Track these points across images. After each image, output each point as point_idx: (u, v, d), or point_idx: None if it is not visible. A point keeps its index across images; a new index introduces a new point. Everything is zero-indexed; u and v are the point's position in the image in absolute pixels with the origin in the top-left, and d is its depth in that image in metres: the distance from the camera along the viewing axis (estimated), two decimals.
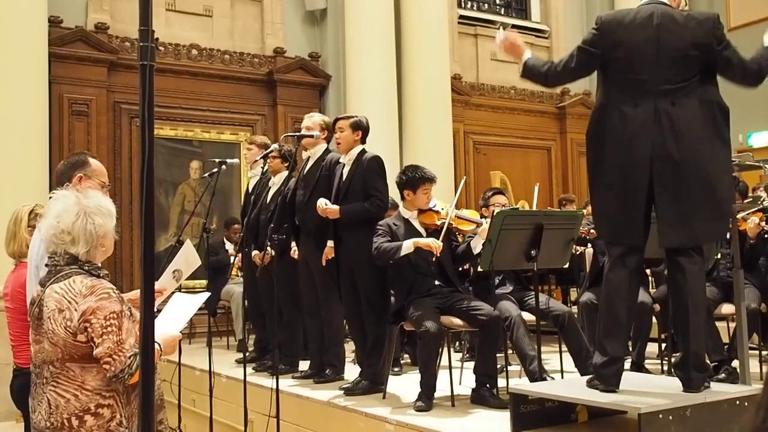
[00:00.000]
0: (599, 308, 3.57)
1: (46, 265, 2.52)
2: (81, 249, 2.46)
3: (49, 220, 2.48)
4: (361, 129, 4.92)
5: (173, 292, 3.16)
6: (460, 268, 5.05)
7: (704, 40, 3.29)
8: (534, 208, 4.93)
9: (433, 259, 4.41)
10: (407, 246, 4.35)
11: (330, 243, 4.88)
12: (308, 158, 5.29)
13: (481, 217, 4.89)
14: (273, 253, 5.22)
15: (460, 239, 4.81)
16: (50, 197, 2.59)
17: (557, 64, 3.53)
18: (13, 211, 3.69)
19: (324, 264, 4.93)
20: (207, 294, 3.13)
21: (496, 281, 4.91)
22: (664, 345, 5.37)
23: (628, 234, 3.35)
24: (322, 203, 4.78)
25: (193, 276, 3.58)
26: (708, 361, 3.68)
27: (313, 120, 5.28)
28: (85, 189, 2.73)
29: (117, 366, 2.33)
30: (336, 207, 4.77)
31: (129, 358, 2.35)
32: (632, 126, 3.29)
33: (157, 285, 3.18)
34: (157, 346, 2.51)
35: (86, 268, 2.47)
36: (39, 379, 2.44)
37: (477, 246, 4.51)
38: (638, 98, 3.30)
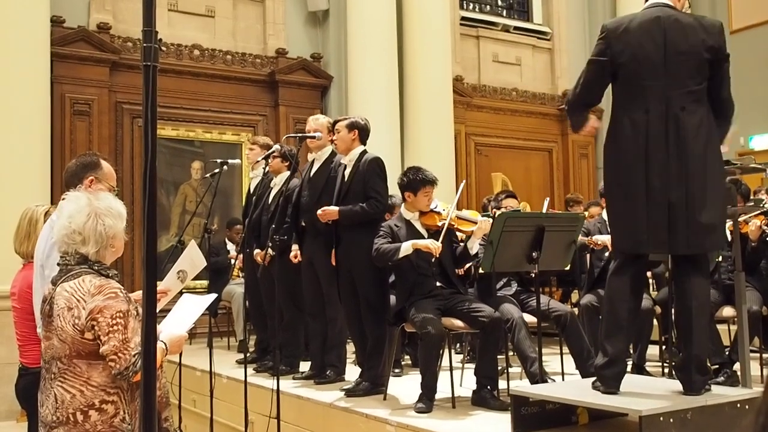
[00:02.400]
0: (602, 310, 3.57)
1: (58, 264, 2.58)
2: (91, 249, 2.52)
3: (61, 221, 2.55)
4: (357, 128, 4.91)
5: (180, 293, 3.17)
6: (461, 269, 5.06)
7: (713, 43, 3.27)
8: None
9: (433, 260, 4.41)
10: (406, 248, 4.35)
11: None
12: (313, 160, 5.29)
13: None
14: (272, 253, 5.21)
15: (461, 237, 4.80)
16: (63, 198, 2.65)
17: (574, 87, 3.52)
18: (23, 210, 3.69)
19: (333, 263, 4.92)
20: (214, 296, 3.15)
21: (500, 283, 4.92)
22: (665, 347, 5.37)
23: (641, 244, 3.32)
24: (320, 210, 4.79)
25: (195, 276, 3.58)
26: (709, 366, 3.68)
27: (319, 122, 5.28)
28: (96, 191, 2.78)
29: (122, 364, 2.39)
30: (335, 208, 4.77)
31: (134, 356, 2.40)
32: (644, 134, 3.26)
33: (162, 286, 3.20)
34: (162, 345, 2.57)
35: (96, 268, 2.54)
36: (48, 374, 2.51)
37: (473, 246, 4.51)
38: (648, 104, 3.27)
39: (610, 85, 3.48)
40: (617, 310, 3.38)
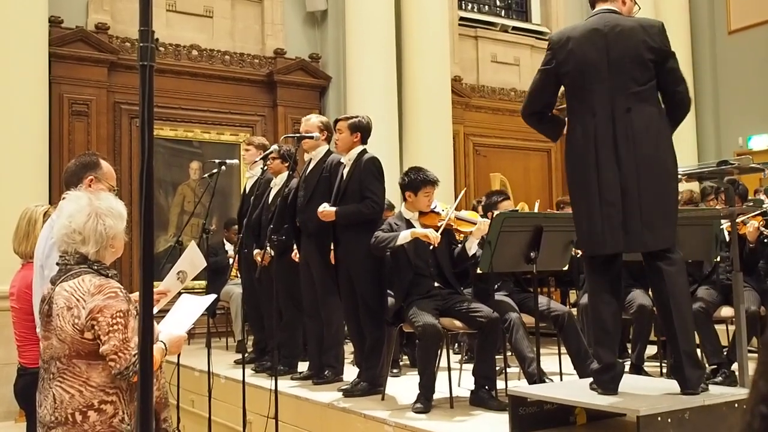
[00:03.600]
0: (588, 316, 3.60)
1: (57, 264, 2.57)
2: (91, 249, 2.52)
3: (61, 220, 2.54)
4: (360, 130, 4.90)
5: (179, 294, 3.17)
6: (458, 270, 5.05)
7: (654, 44, 3.33)
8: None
9: (431, 248, 4.39)
10: (404, 236, 4.35)
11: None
12: (310, 160, 5.29)
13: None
14: (272, 254, 5.22)
15: (460, 237, 4.80)
16: (63, 198, 2.65)
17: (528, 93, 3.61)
18: (23, 210, 3.69)
19: (326, 264, 4.92)
20: (213, 296, 3.15)
21: (496, 285, 4.91)
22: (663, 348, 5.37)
23: (599, 245, 3.37)
24: (320, 209, 4.79)
25: (194, 276, 3.58)
26: (704, 360, 3.69)
27: (310, 122, 5.27)
28: (96, 191, 2.78)
29: (122, 363, 2.39)
30: (332, 209, 4.76)
31: (134, 356, 2.40)
32: (593, 137, 3.34)
33: (162, 286, 3.20)
34: (162, 346, 2.58)
35: (95, 267, 2.53)
36: (46, 374, 2.50)
37: (471, 247, 4.51)
38: (595, 108, 3.35)
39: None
40: (601, 314, 3.41)
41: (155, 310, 2.92)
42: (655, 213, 3.27)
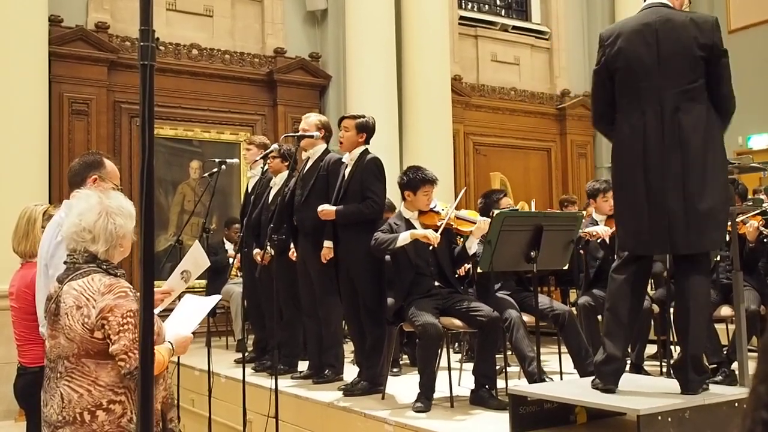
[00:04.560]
0: (605, 305, 3.59)
1: (65, 262, 2.56)
2: (100, 248, 2.51)
3: (71, 218, 2.52)
4: (366, 131, 4.90)
5: (182, 293, 3.18)
6: (461, 270, 5.05)
7: (706, 41, 3.26)
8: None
9: (431, 248, 4.39)
10: (404, 237, 4.35)
11: (327, 243, 4.87)
12: (308, 159, 5.29)
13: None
14: (273, 253, 5.22)
15: (460, 242, 4.80)
16: (73, 196, 2.65)
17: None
18: (22, 209, 3.69)
19: (324, 263, 4.92)
20: (218, 297, 3.16)
21: (498, 284, 4.92)
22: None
23: (645, 245, 3.35)
24: (321, 208, 4.78)
25: None
26: (706, 364, 3.69)
27: (309, 121, 5.26)
28: (105, 190, 2.78)
29: (132, 363, 2.38)
30: (332, 208, 4.76)
31: None
32: (641, 136, 3.29)
33: (165, 286, 3.21)
34: (169, 345, 2.58)
35: (104, 266, 2.52)
36: (53, 373, 2.48)
37: (471, 246, 4.51)
38: (644, 106, 3.30)
39: None
40: (618, 307, 3.39)
41: (158, 309, 2.93)
42: (701, 215, 3.21)
